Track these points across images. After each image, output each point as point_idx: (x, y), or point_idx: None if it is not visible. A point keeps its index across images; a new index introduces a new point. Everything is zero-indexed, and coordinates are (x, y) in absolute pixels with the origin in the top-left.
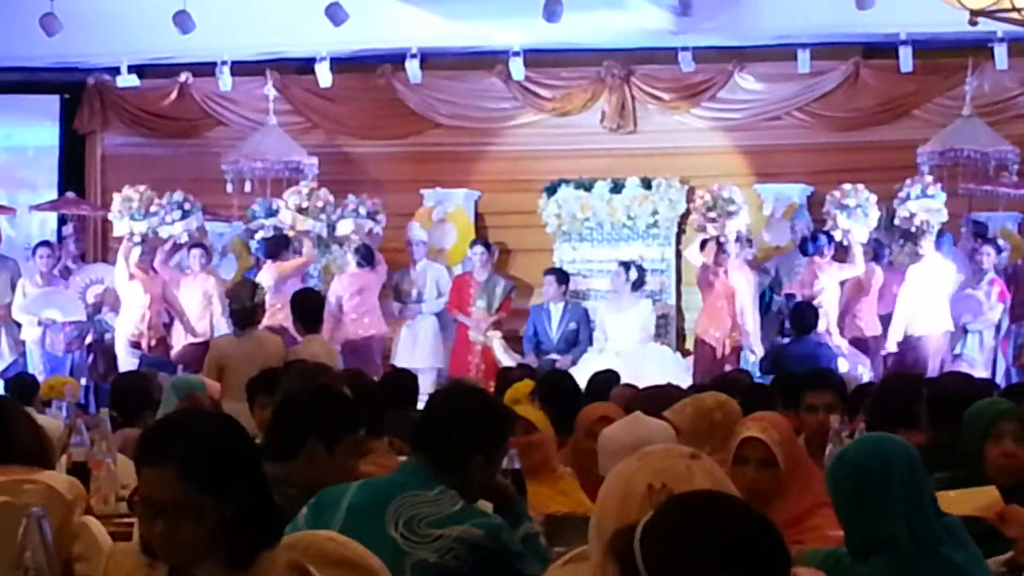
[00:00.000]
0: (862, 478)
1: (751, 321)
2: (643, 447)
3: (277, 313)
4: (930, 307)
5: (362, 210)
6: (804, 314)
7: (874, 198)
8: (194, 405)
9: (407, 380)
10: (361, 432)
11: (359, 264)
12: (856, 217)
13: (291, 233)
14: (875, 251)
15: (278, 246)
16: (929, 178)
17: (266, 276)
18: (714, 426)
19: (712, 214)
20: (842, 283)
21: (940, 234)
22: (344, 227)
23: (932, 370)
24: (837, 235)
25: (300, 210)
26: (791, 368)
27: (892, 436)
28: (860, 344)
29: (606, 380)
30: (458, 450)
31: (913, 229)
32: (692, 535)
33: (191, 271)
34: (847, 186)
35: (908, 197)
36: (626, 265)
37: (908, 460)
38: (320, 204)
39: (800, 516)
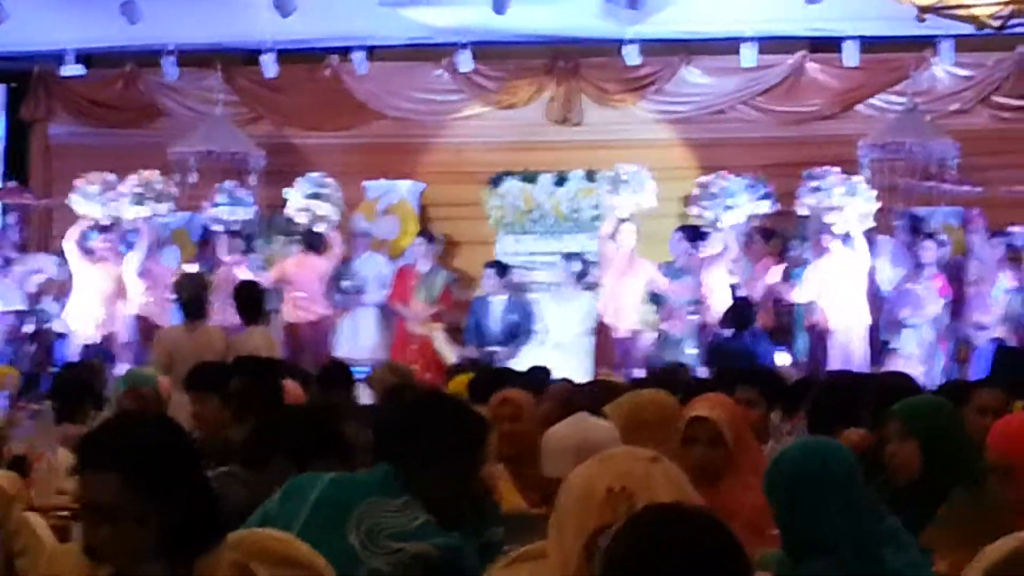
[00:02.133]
0: (797, 482)
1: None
2: (587, 448)
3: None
4: (841, 301)
5: (307, 188)
6: (742, 309)
7: (743, 184)
8: (137, 399)
9: (340, 369)
10: (333, 462)
11: (307, 249)
12: (721, 205)
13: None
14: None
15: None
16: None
17: (128, 269)
18: (645, 423)
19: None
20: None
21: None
22: (292, 202)
23: (857, 364)
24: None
25: (135, 198)
26: (729, 362)
27: (828, 440)
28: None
29: (535, 376)
30: (420, 458)
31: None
32: (656, 553)
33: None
34: (704, 178)
35: (819, 189)
36: (568, 257)
37: (844, 463)
38: (156, 189)
39: (753, 497)
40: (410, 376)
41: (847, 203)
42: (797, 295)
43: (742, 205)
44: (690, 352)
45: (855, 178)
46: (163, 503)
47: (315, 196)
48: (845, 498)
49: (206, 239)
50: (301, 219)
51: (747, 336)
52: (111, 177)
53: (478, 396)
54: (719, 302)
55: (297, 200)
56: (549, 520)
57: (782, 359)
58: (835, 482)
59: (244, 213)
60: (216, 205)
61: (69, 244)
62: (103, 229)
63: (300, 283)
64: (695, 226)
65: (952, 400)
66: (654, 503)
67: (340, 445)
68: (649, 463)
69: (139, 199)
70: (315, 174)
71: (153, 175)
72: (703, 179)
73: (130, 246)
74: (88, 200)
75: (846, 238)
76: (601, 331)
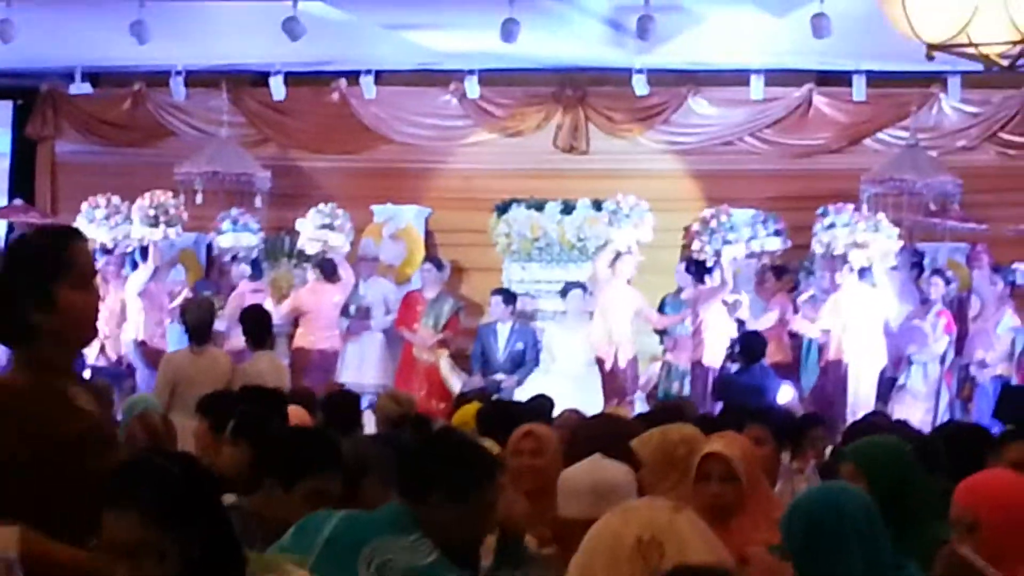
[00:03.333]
0: (817, 530)
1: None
2: (602, 488)
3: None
4: (856, 336)
5: (323, 220)
6: (752, 343)
7: (745, 217)
8: (147, 427)
9: (349, 402)
10: (327, 475)
11: (322, 276)
12: (723, 239)
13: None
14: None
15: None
16: (882, 215)
17: (130, 290)
18: (675, 461)
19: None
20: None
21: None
22: (304, 232)
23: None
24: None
25: (149, 220)
26: (737, 398)
27: (846, 486)
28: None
29: (540, 406)
30: (431, 496)
31: (833, 257)
32: None
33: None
34: (707, 211)
35: (834, 225)
36: (577, 285)
37: (864, 510)
38: (169, 212)
39: (766, 537)
40: (412, 405)
41: (871, 239)
42: (811, 328)
43: (743, 239)
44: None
45: (879, 215)
46: (183, 539)
47: (327, 227)
48: (865, 546)
49: (211, 261)
50: (313, 249)
51: (757, 370)
52: (116, 200)
53: (486, 428)
54: (714, 337)
55: (309, 230)
56: (569, 567)
57: (786, 394)
58: (855, 530)
59: (248, 239)
60: (221, 232)
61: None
62: (106, 251)
63: (315, 311)
64: (702, 260)
65: (978, 447)
66: (687, 561)
67: (329, 465)
68: (672, 512)
69: (151, 221)
70: (326, 205)
71: (166, 196)
72: (705, 212)
73: (135, 266)
74: (93, 223)
75: (861, 273)
76: (602, 362)
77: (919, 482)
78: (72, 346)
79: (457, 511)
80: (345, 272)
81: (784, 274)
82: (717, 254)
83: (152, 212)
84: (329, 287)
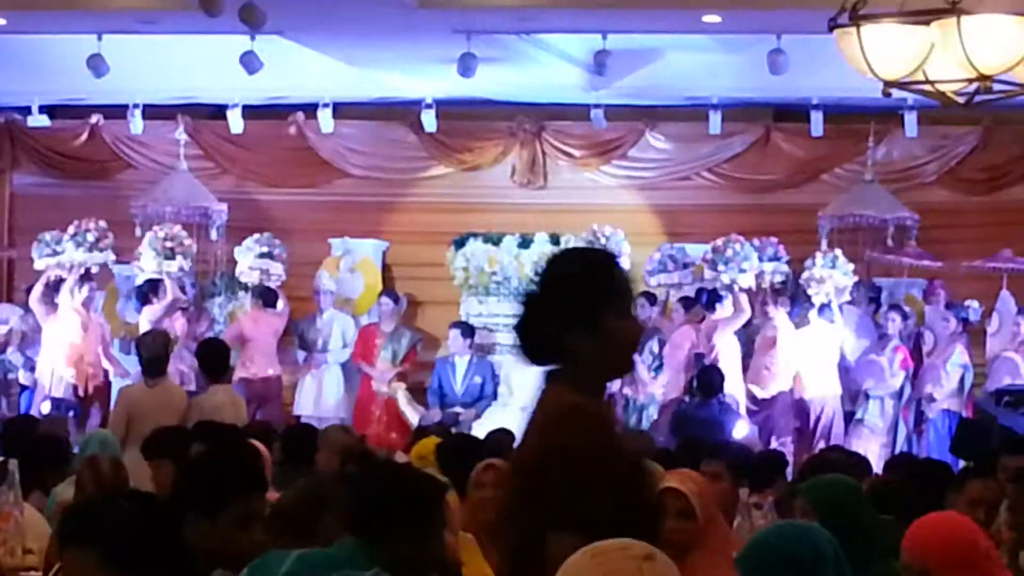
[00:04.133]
0: (794, 567)
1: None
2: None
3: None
4: (817, 371)
5: (259, 248)
6: (710, 377)
7: (749, 248)
8: (95, 472)
9: (307, 435)
10: (253, 498)
11: (263, 305)
12: (736, 267)
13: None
14: (790, 307)
15: (144, 292)
16: (838, 251)
17: (143, 322)
18: None
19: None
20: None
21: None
22: (243, 261)
23: (833, 433)
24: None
25: (158, 251)
26: (695, 431)
27: (814, 525)
28: (765, 399)
29: (501, 439)
30: (384, 529)
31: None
32: None
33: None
34: (719, 241)
35: (813, 264)
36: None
37: (834, 550)
38: (184, 244)
39: (721, 574)
40: (362, 439)
41: (827, 275)
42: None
43: (755, 268)
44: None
45: (836, 251)
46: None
47: (267, 255)
48: None
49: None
50: (251, 278)
51: (715, 405)
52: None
53: (446, 462)
54: (728, 366)
55: (248, 259)
56: None
57: (741, 429)
58: (817, 568)
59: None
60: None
61: (33, 299)
62: (59, 281)
63: (255, 339)
64: (713, 289)
65: (938, 484)
66: None
67: (254, 486)
68: (642, 561)
69: (167, 253)
70: (262, 235)
71: (178, 228)
72: (718, 241)
73: (143, 298)
74: (42, 255)
75: (821, 310)
76: None
77: (869, 521)
78: (609, 373)
79: (410, 540)
80: (282, 301)
81: (693, 305)
82: (733, 282)
83: (168, 244)
84: (269, 315)
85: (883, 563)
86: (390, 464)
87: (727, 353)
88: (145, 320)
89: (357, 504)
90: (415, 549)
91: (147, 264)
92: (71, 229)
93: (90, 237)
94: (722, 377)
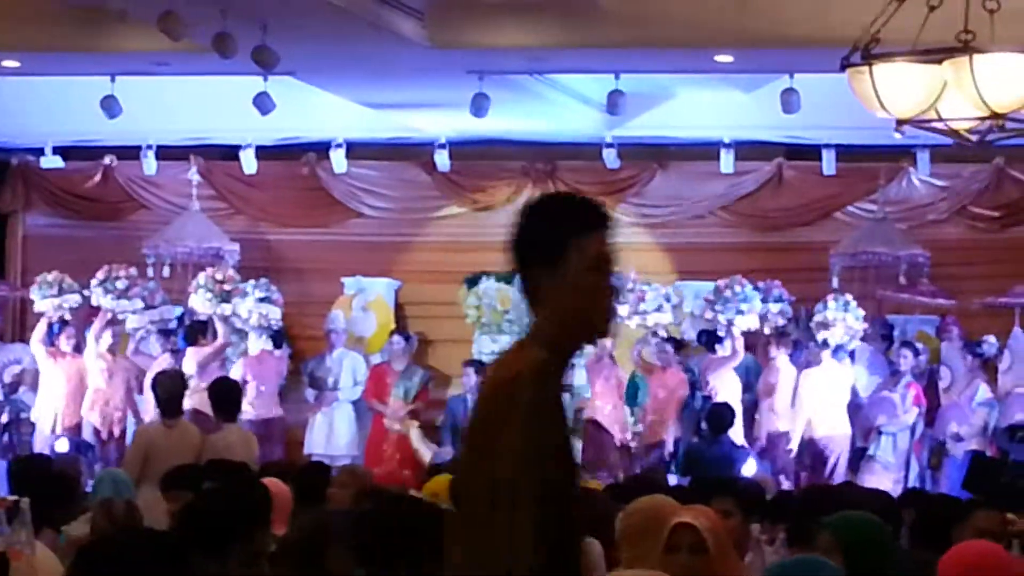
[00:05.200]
0: None
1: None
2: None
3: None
4: (828, 411)
5: (259, 293)
6: (721, 414)
7: (749, 288)
8: (106, 513)
9: (320, 473)
10: (257, 536)
11: (274, 346)
12: (736, 309)
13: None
14: (792, 349)
15: (195, 332)
16: (849, 296)
17: (189, 363)
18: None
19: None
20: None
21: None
22: (244, 308)
23: (837, 472)
24: (722, 331)
25: (215, 294)
26: (705, 469)
27: (823, 561)
28: (771, 439)
29: None
30: (393, 560)
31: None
32: None
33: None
34: (721, 282)
35: (825, 308)
36: None
37: None
38: (229, 287)
39: None
40: (369, 477)
41: (840, 318)
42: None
43: (756, 310)
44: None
45: (847, 295)
46: None
47: (265, 300)
48: None
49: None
50: (252, 321)
51: (726, 442)
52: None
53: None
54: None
55: (249, 303)
56: None
57: (750, 467)
58: None
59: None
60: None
61: (35, 341)
62: (64, 323)
63: (260, 380)
64: (712, 330)
65: (944, 518)
66: None
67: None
68: None
69: (223, 295)
70: (258, 280)
71: (226, 270)
72: (720, 282)
73: (166, 337)
74: (44, 296)
75: (836, 350)
76: (588, 433)
77: (894, 557)
78: (573, 327)
79: (414, 565)
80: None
81: (681, 348)
82: (729, 323)
83: (225, 287)
84: (275, 357)
85: None
86: (395, 497)
87: (725, 392)
88: (192, 361)
89: (364, 537)
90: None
91: (200, 306)
92: (100, 275)
93: (120, 285)
94: (733, 414)
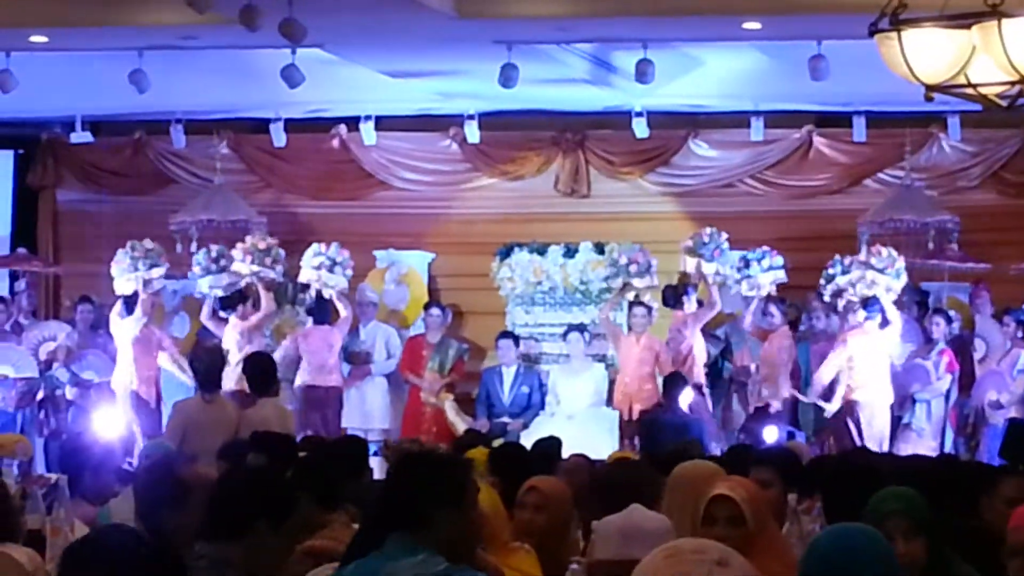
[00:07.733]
0: (837, 569)
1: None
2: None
3: (325, 374)
4: (870, 377)
5: (323, 260)
6: (674, 382)
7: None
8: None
9: (357, 448)
10: (305, 508)
11: (315, 322)
12: (714, 258)
13: (244, 284)
14: (796, 316)
15: (235, 300)
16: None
17: (232, 333)
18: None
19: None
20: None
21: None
22: (305, 269)
23: (879, 439)
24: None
25: (255, 260)
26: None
27: (863, 526)
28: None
29: (549, 447)
30: (424, 513)
31: (841, 304)
32: None
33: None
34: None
35: (837, 274)
36: (578, 328)
37: (882, 548)
38: (271, 256)
39: None
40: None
41: (882, 280)
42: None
43: (731, 262)
44: None
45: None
46: None
47: (329, 265)
48: None
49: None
50: (314, 287)
51: (677, 409)
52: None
53: (498, 469)
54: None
55: (308, 269)
56: None
57: (771, 433)
58: (875, 569)
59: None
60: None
61: (114, 316)
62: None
63: (311, 354)
64: (674, 285)
65: (973, 486)
66: None
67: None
68: (715, 566)
69: (260, 260)
70: (327, 246)
71: (268, 239)
72: (705, 231)
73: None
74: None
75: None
76: (622, 407)
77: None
78: None
79: (454, 520)
80: (346, 309)
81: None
82: (698, 268)
83: (261, 254)
84: (327, 328)
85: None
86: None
87: (701, 346)
88: (234, 331)
89: (390, 497)
90: (457, 525)
91: (242, 270)
92: (138, 249)
93: (153, 255)
94: (685, 381)
